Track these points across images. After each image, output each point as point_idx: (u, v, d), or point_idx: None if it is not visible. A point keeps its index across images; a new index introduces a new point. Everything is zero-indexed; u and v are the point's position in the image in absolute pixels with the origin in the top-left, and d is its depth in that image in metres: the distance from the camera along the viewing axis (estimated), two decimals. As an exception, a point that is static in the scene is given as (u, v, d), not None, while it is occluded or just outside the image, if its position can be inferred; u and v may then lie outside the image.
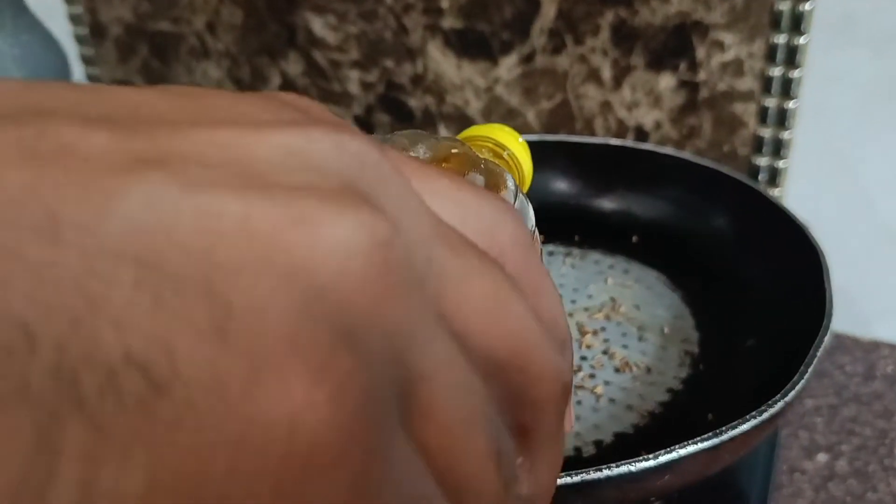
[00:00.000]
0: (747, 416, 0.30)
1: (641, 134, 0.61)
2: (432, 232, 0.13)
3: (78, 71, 0.80)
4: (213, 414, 0.09)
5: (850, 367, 0.58)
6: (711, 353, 0.40)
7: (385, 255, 0.11)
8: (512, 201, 0.23)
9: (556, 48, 0.60)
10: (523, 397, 0.14)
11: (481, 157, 0.24)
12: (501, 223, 0.15)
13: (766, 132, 0.57)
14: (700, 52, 0.56)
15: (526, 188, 0.31)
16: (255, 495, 0.10)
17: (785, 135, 0.56)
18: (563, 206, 0.51)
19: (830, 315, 0.35)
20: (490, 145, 0.29)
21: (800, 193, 0.58)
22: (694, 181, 0.48)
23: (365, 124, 0.71)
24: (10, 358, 0.09)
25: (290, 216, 0.11)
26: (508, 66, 0.63)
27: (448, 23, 0.63)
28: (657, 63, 0.58)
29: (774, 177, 0.58)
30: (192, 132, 0.11)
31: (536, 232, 0.26)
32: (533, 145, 0.53)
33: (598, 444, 0.36)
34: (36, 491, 0.09)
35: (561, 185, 0.52)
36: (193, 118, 0.11)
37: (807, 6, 0.52)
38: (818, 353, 0.32)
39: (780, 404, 0.30)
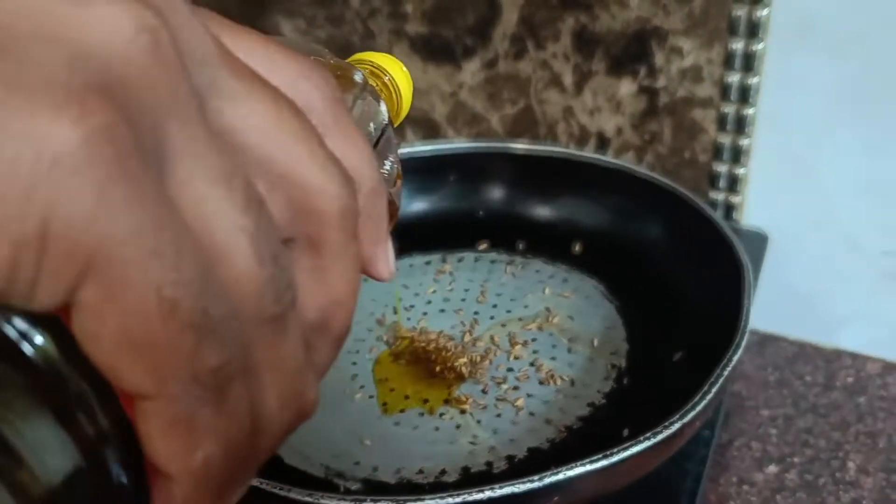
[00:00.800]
0: (641, 438, 0.29)
1: (603, 140, 0.60)
2: (217, 59, 0.15)
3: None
4: None
5: (810, 376, 0.57)
6: (638, 367, 0.40)
7: (151, 40, 0.13)
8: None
9: (519, 53, 0.60)
10: (304, 208, 0.16)
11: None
12: (306, 77, 0.18)
13: (726, 139, 0.56)
14: (659, 58, 0.56)
15: (400, 118, 0.33)
16: (18, 189, 0.12)
17: (744, 141, 0.56)
18: (508, 215, 0.51)
19: (744, 333, 0.34)
20: (371, 68, 0.30)
21: (760, 200, 0.58)
22: (635, 191, 0.47)
23: (335, 128, 0.71)
24: None
25: None
26: (472, 71, 0.62)
27: (413, 27, 0.63)
28: (617, 68, 0.58)
29: (734, 183, 0.57)
30: None
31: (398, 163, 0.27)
32: (480, 154, 0.53)
33: (510, 458, 0.36)
34: None
35: (505, 194, 0.52)
36: None
37: (763, 12, 0.51)
38: (725, 373, 0.32)
39: (676, 425, 0.30)
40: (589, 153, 0.50)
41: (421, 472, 0.35)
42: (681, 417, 0.30)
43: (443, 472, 0.35)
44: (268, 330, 0.15)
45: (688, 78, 0.56)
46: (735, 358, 0.33)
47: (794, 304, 0.60)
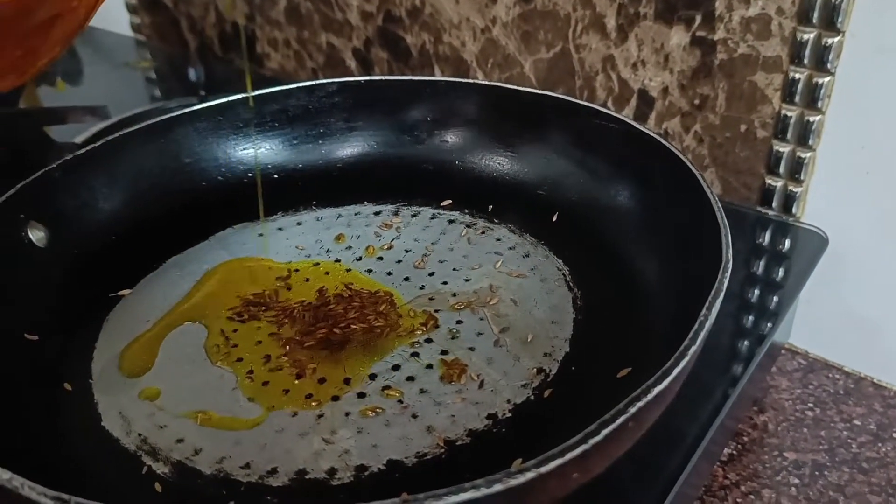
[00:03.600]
0: (466, 486, 0.21)
1: (646, 99, 0.50)
2: None
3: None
4: None
5: (859, 420, 0.45)
6: (569, 379, 0.31)
7: None
8: None
9: (559, -14, 0.50)
10: None
11: None
12: None
13: (793, 112, 0.45)
14: (719, 2, 0.45)
15: None
16: None
17: (814, 118, 0.44)
18: (485, 171, 0.42)
19: (681, 360, 0.25)
20: None
21: (825, 195, 0.46)
22: (639, 161, 0.37)
23: (363, 60, 0.64)
24: None
25: None
26: (507, 5, 0.53)
27: (448, -52, 0.55)
28: (669, 12, 0.47)
29: (798, 170, 0.46)
30: None
31: None
32: (460, 91, 0.43)
33: (360, 469, 0.28)
34: None
35: (485, 145, 0.43)
36: None
37: (855, -50, 0.40)
38: (619, 420, 0.23)
39: (529, 474, 0.22)
40: (598, 108, 0.40)
41: (247, 466, 0.28)
42: (537, 465, 0.22)
43: (273, 471, 0.28)
44: None
45: (752, 31, 0.45)
46: (653, 392, 0.24)
47: (856, 328, 0.48)
